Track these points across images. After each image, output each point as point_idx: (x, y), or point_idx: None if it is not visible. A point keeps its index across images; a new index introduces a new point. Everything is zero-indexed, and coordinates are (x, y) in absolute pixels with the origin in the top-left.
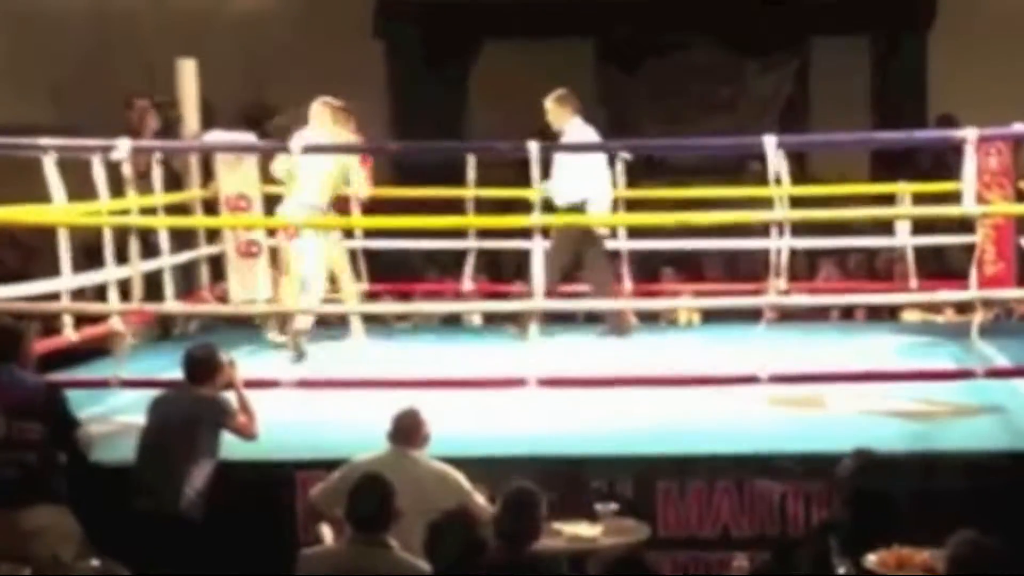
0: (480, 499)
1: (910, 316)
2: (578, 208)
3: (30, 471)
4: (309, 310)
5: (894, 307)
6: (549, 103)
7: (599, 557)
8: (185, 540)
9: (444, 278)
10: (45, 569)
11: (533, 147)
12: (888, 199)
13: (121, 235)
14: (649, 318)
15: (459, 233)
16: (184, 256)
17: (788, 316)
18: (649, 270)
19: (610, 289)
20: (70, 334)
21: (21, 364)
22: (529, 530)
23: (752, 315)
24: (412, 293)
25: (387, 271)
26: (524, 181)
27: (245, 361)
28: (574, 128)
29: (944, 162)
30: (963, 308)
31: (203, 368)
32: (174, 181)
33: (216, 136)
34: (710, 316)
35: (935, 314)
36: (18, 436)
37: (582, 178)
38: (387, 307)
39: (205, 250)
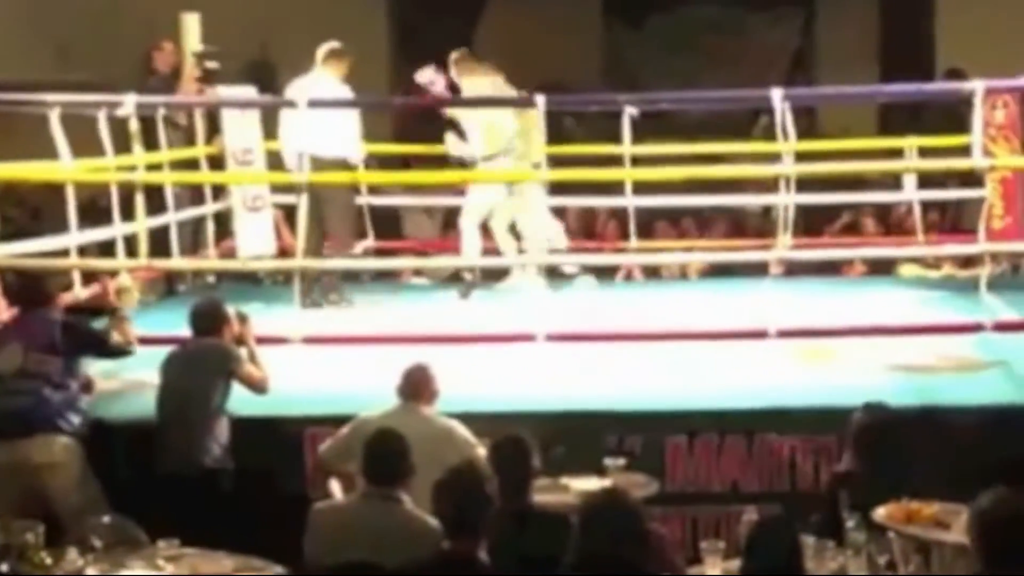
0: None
1: (907, 271)
2: (345, 165)
3: (43, 402)
4: (317, 264)
5: (894, 261)
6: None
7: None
8: (215, 495)
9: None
10: (55, 504)
11: (541, 101)
12: (896, 153)
13: (127, 192)
14: (653, 272)
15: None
16: (190, 212)
17: (794, 271)
18: (649, 226)
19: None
20: (78, 291)
21: (49, 308)
22: (523, 477)
23: (759, 270)
24: (425, 250)
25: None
26: None
27: (253, 318)
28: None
29: (954, 113)
30: (970, 262)
31: (209, 320)
32: (186, 137)
33: (220, 91)
34: (715, 271)
35: (933, 269)
36: (34, 367)
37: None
38: (400, 263)
39: (211, 206)
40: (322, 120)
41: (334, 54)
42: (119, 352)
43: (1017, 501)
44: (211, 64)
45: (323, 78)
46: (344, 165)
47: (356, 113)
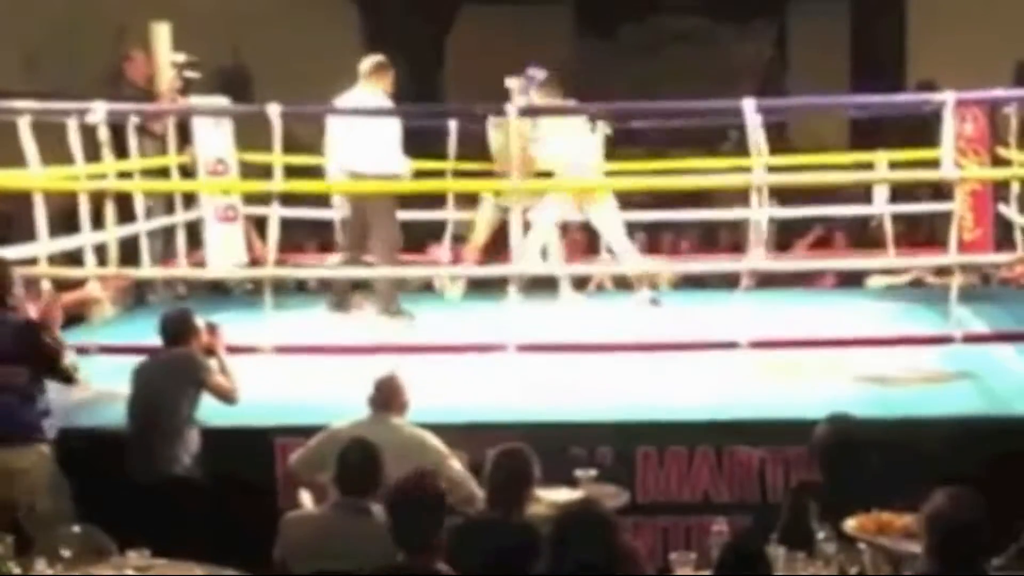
0: (457, 465)
1: (875, 282)
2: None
3: (12, 413)
4: (287, 273)
5: (864, 273)
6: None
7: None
8: (185, 504)
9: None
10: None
11: (512, 110)
12: (868, 167)
13: (98, 200)
14: (623, 283)
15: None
16: (161, 222)
17: (766, 282)
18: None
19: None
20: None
21: (8, 305)
22: (521, 492)
23: (730, 281)
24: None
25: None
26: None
27: (224, 328)
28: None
29: (924, 129)
30: (940, 274)
31: (178, 330)
32: (160, 146)
33: (193, 101)
34: (686, 282)
35: (902, 279)
36: (1, 381)
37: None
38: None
39: (182, 216)
40: (363, 135)
41: (379, 67)
42: (66, 377)
43: (969, 501)
44: (191, 74)
45: (367, 92)
46: (389, 179)
47: (397, 125)
